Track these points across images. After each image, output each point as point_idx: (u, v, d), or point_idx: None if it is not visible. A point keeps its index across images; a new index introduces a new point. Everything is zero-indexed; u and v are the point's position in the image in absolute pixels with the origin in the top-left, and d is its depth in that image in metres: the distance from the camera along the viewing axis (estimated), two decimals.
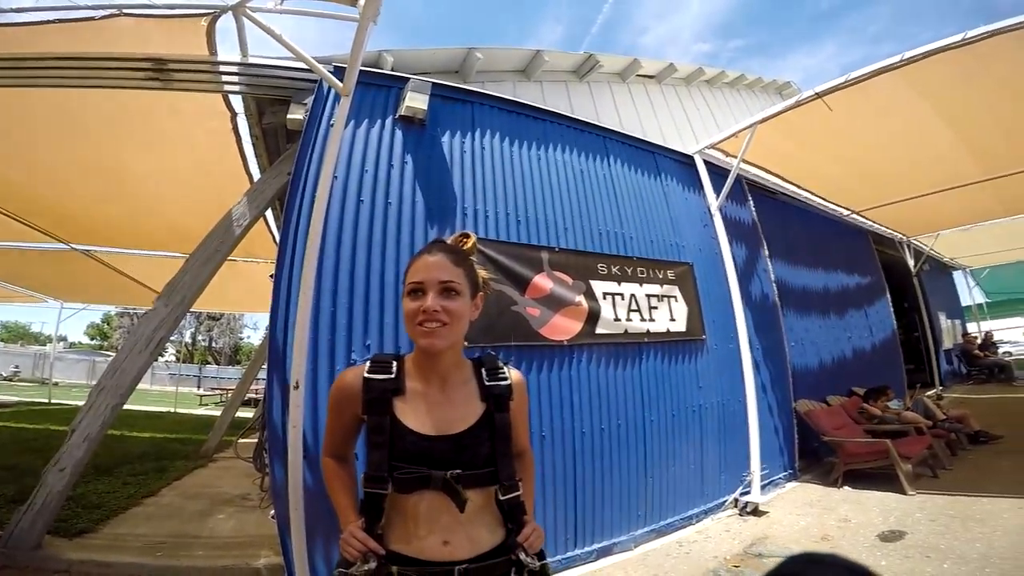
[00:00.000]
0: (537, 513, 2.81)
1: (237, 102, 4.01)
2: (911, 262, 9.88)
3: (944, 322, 12.00)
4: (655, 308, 4.19)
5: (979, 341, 12.27)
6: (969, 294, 15.72)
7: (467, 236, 1.29)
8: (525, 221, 3.76)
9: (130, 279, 9.03)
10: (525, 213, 3.79)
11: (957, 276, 14.80)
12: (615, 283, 4.02)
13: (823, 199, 7.04)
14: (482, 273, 1.27)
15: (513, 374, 1.25)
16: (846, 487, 4.54)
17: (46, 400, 13.74)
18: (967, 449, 5.42)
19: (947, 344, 11.82)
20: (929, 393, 8.40)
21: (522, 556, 1.10)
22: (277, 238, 5.35)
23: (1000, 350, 12.86)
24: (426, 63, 4.21)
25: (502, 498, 1.12)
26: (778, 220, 6.23)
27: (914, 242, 9.91)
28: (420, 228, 3.28)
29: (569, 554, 3.28)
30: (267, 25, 2.50)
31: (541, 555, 1.15)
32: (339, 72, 2.70)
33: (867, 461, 4.63)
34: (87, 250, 7.70)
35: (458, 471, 1.07)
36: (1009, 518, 3.38)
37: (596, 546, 3.40)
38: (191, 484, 5.43)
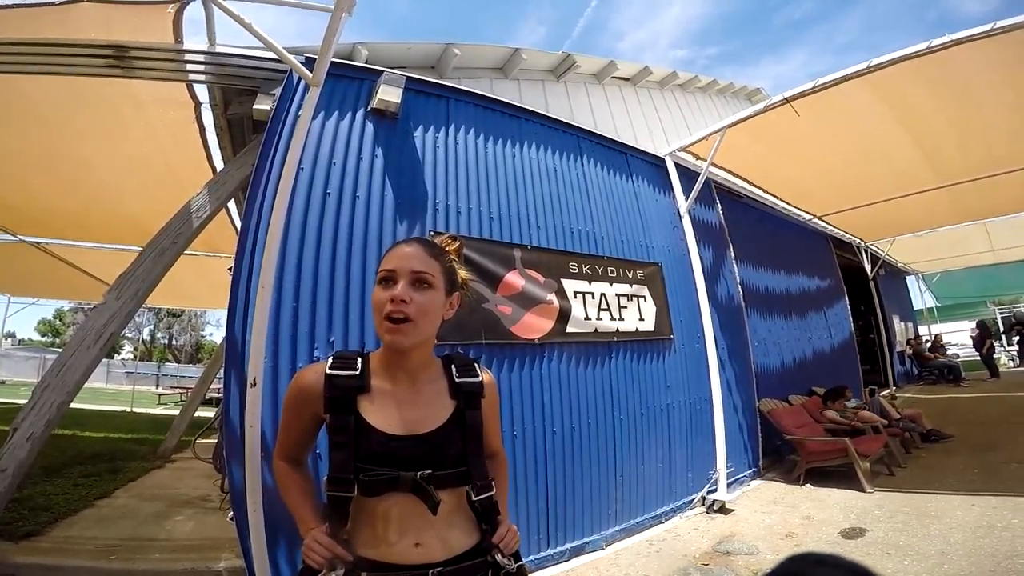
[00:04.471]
0: (510, 513, 2.77)
1: (202, 92, 3.86)
2: (868, 266, 10.27)
3: (898, 325, 12.52)
4: (625, 307, 4.22)
5: (927, 343, 12.84)
6: (921, 298, 16.51)
7: (454, 239, 1.25)
8: (498, 218, 3.74)
9: (84, 273, 8.62)
10: (498, 210, 3.76)
11: (910, 281, 15.48)
12: (586, 282, 4.03)
13: (787, 203, 7.25)
14: (462, 273, 1.22)
15: (485, 374, 1.22)
16: (808, 485, 4.67)
17: None
18: (920, 448, 5.65)
19: (900, 346, 12.33)
20: (883, 393, 8.75)
21: (498, 557, 1.08)
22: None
23: (949, 352, 13.47)
24: (402, 57, 4.13)
25: (475, 499, 1.09)
26: (744, 223, 6.38)
27: (871, 247, 10.30)
28: (389, 222, 3.22)
29: (542, 554, 3.27)
30: (236, 12, 2.40)
31: (517, 556, 1.13)
32: (310, 63, 2.62)
33: (827, 459, 4.77)
34: (37, 242, 7.30)
35: (428, 471, 1.03)
36: (962, 515, 3.51)
37: (568, 546, 3.41)
38: (147, 485, 5.23)
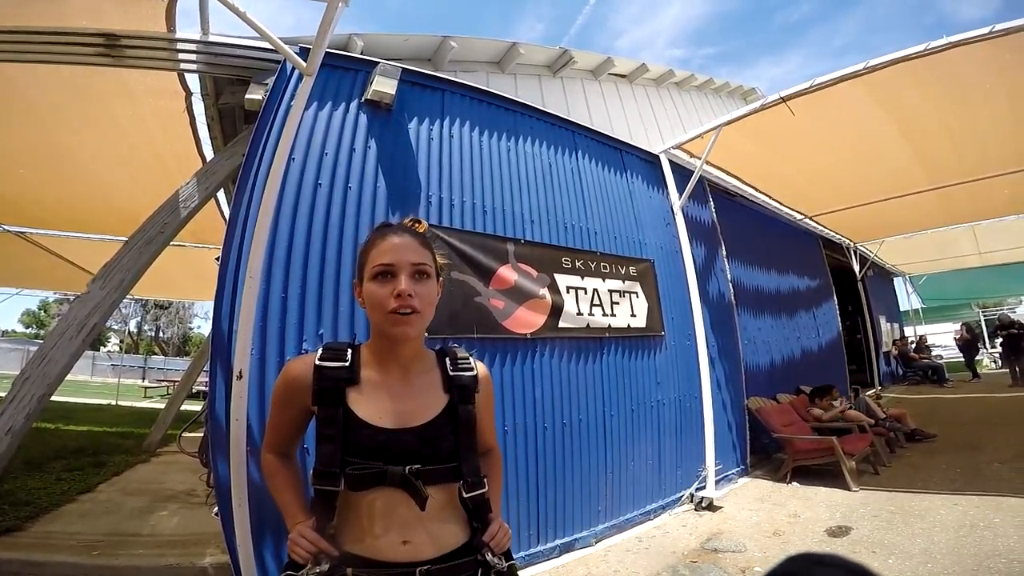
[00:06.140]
0: (500, 509, 2.77)
1: (193, 82, 3.81)
2: (856, 267, 10.36)
3: (884, 325, 12.67)
4: (617, 303, 4.22)
5: (912, 344, 13.02)
6: (907, 299, 16.73)
7: (418, 221, 1.22)
8: (492, 212, 3.71)
9: (70, 263, 8.47)
10: (492, 204, 3.73)
11: (897, 282, 15.66)
12: (579, 277, 4.02)
13: (779, 203, 7.29)
14: (440, 259, 1.21)
15: (479, 367, 1.20)
16: (795, 483, 4.71)
17: None
18: (904, 447, 5.72)
19: (886, 347, 12.49)
20: (869, 393, 8.86)
21: (488, 556, 1.05)
22: None
23: (933, 353, 13.66)
24: (398, 49, 4.08)
25: (466, 495, 1.06)
26: (736, 222, 6.41)
27: (860, 248, 10.40)
28: (381, 214, 3.17)
29: (532, 550, 3.26)
30: (230, 1, 2.35)
31: (508, 555, 1.11)
32: (305, 53, 2.57)
33: (814, 458, 4.81)
34: (21, 232, 7.16)
35: (417, 466, 1.00)
36: (945, 514, 3.56)
37: (558, 542, 3.40)
38: (132, 479, 5.16)
